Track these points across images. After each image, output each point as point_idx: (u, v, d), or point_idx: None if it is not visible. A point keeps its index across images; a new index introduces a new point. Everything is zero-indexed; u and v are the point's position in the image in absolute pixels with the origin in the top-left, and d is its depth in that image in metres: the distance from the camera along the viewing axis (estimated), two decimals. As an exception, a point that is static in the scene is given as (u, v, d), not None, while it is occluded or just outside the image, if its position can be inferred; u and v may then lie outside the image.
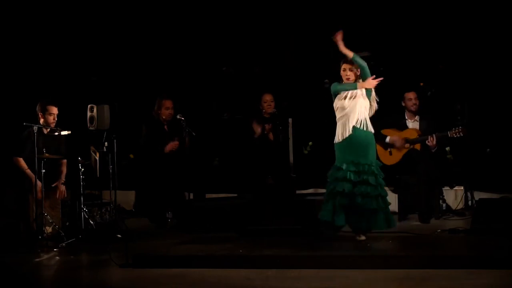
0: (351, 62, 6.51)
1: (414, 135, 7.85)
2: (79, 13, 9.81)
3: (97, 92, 9.31)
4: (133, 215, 8.69)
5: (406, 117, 8.00)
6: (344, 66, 6.56)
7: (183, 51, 9.90)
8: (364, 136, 6.47)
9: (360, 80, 6.49)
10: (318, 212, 6.69)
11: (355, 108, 6.46)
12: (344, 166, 6.44)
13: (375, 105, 6.53)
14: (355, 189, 6.38)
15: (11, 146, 7.44)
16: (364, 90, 6.48)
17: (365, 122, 6.46)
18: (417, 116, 7.99)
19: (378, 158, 7.87)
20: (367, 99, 6.49)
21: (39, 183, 7.03)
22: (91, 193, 7.68)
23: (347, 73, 6.54)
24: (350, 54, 6.46)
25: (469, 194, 8.44)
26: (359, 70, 6.51)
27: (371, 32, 9.18)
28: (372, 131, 6.51)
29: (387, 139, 7.86)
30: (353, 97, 6.48)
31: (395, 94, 8.20)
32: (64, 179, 7.42)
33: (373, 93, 6.51)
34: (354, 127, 6.45)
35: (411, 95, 7.95)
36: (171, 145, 8.21)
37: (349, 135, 6.46)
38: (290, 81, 9.65)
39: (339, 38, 6.44)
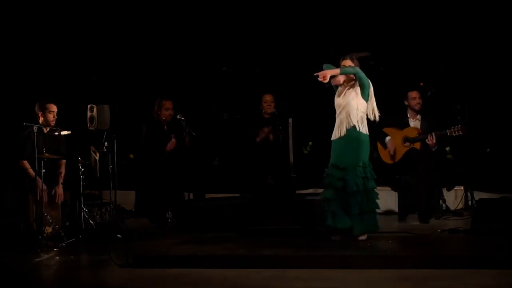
0: (351, 58, 6.51)
1: (414, 134, 7.85)
2: (79, 13, 9.82)
3: (97, 92, 9.31)
4: (133, 215, 8.68)
5: (409, 116, 8.01)
6: (343, 62, 6.55)
7: (183, 51, 9.91)
8: (356, 137, 6.44)
9: (357, 82, 6.49)
10: (318, 212, 6.69)
11: (347, 108, 6.45)
12: (330, 171, 6.47)
13: (374, 108, 6.52)
14: (340, 194, 6.40)
15: (14, 149, 7.43)
16: (359, 90, 6.46)
17: (358, 122, 6.45)
18: (419, 116, 7.99)
19: (379, 156, 7.92)
20: (362, 99, 6.46)
21: (43, 186, 7.05)
22: (91, 193, 7.68)
23: None
24: (337, 71, 6.43)
25: (469, 194, 8.44)
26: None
27: (371, 32, 9.19)
28: (366, 132, 6.49)
29: (386, 140, 7.87)
30: (346, 96, 6.48)
31: (395, 94, 8.20)
32: (62, 181, 7.41)
33: (372, 97, 6.49)
34: (346, 127, 6.45)
35: (414, 94, 7.96)
36: (171, 144, 8.21)
37: (341, 135, 6.47)
38: (290, 81, 9.65)
39: (325, 76, 6.39)
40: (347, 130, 6.43)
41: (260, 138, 8.42)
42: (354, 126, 6.41)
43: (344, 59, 6.56)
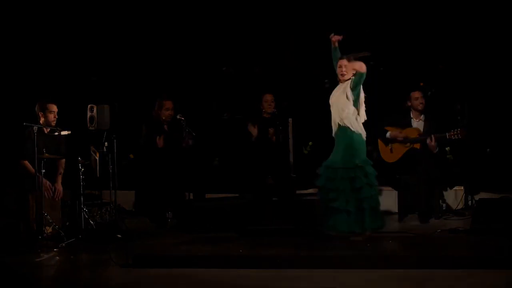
0: (347, 58, 6.52)
1: (414, 135, 7.85)
2: (79, 13, 9.82)
3: (97, 92, 9.31)
4: (133, 215, 8.68)
5: (412, 116, 8.00)
6: (339, 62, 6.56)
7: (183, 51, 9.91)
8: (345, 136, 6.47)
9: (349, 84, 6.49)
10: (318, 212, 6.71)
11: (334, 106, 6.51)
12: (321, 170, 6.53)
13: (362, 113, 6.53)
14: (329, 194, 6.46)
15: (14, 149, 7.43)
16: (349, 92, 6.45)
17: (345, 121, 6.44)
18: (422, 116, 7.97)
19: (379, 155, 7.92)
20: (350, 100, 6.45)
21: (47, 183, 7.07)
22: (91, 193, 7.67)
23: (342, 70, 6.53)
24: (364, 69, 6.40)
25: (469, 194, 8.44)
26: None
27: (371, 32, 9.19)
28: (358, 131, 6.46)
29: (388, 134, 7.87)
30: (336, 95, 6.52)
31: (395, 94, 8.19)
32: (60, 180, 7.42)
33: (362, 98, 6.51)
34: (337, 126, 6.50)
35: (417, 94, 7.95)
36: (159, 141, 8.20)
37: (333, 134, 6.53)
38: (290, 81, 9.65)
39: (358, 67, 6.39)
40: (336, 129, 6.50)
41: (255, 136, 8.41)
42: (341, 125, 6.46)
43: (341, 58, 6.57)
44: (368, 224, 6.42)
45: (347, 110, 6.44)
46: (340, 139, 6.50)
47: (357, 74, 6.44)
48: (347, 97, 6.45)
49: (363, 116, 6.51)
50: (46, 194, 7.10)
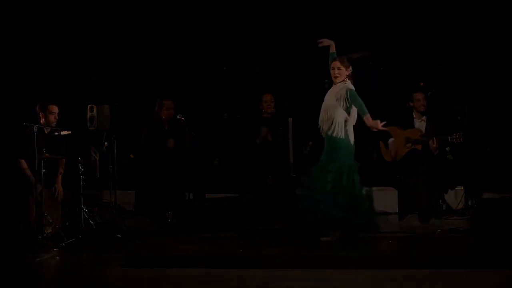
0: (340, 60, 6.50)
1: (416, 136, 7.84)
2: (79, 13, 9.82)
3: (97, 92, 9.31)
4: (133, 215, 8.68)
5: (414, 116, 7.99)
6: (332, 64, 6.54)
7: (183, 51, 9.91)
8: (326, 138, 6.52)
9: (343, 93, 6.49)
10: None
11: (325, 111, 6.51)
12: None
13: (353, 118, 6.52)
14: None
15: (13, 148, 7.43)
16: (344, 99, 6.44)
17: (332, 127, 6.45)
18: (424, 117, 7.97)
19: (380, 154, 7.92)
20: (341, 105, 6.45)
21: (39, 186, 7.05)
22: (91, 193, 7.67)
23: (335, 72, 6.51)
24: (374, 123, 6.39)
25: (469, 194, 8.43)
26: (348, 70, 6.50)
27: (371, 32, 9.19)
28: (342, 136, 6.46)
29: (389, 141, 7.86)
30: (328, 99, 6.52)
31: (395, 94, 8.19)
32: (60, 180, 7.41)
33: (354, 111, 6.50)
34: (323, 130, 6.55)
35: (419, 95, 7.95)
36: (169, 143, 8.21)
37: (323, 136, 6.57)
38: (290, 81, 9.65)
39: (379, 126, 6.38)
40: (325, 132, 6.52)
41: (261, 139, 8.43)
42: (328, 130, 6.47)
43: (334, 60, 6.56)
44: (336, 226, 6.41)
45: (333, 114, 6.43)
46: (327, 142, 6.55)
47: (360, 107, 6.40)
48: (337, 102, 6.44)
49: (354, 120, 6.50)
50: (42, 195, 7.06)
